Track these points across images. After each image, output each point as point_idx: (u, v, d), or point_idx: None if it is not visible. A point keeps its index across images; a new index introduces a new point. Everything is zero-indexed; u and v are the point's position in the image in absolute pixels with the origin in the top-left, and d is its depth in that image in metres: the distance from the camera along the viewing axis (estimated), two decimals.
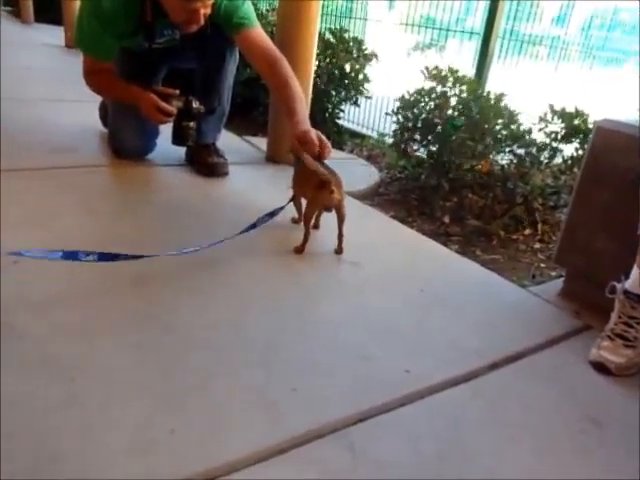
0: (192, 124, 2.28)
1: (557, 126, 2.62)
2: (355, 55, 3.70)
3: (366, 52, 3.73)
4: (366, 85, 3.72)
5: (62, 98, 3.52)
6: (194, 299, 1.50)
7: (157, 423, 1.05)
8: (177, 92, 2.23)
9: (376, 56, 3.75)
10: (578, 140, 2.60)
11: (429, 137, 2.83)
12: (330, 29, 3.90)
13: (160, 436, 1.02)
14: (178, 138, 2.33)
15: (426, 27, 4.59)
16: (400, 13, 5.01)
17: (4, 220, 1.69)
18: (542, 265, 2.28)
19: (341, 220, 1.81)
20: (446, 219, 2.59)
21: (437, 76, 2.82)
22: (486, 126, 2.61)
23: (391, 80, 4.21)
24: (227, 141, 2.78)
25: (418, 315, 1.57)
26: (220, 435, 1.05)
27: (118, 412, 1.07)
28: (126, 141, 2.46)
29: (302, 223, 1.87)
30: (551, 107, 2.63)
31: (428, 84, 2.87)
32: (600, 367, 1.40)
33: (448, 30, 4.37)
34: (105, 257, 1.49)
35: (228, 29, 2.22)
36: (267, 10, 4.42)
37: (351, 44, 3.71)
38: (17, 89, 3.60)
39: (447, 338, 1.47)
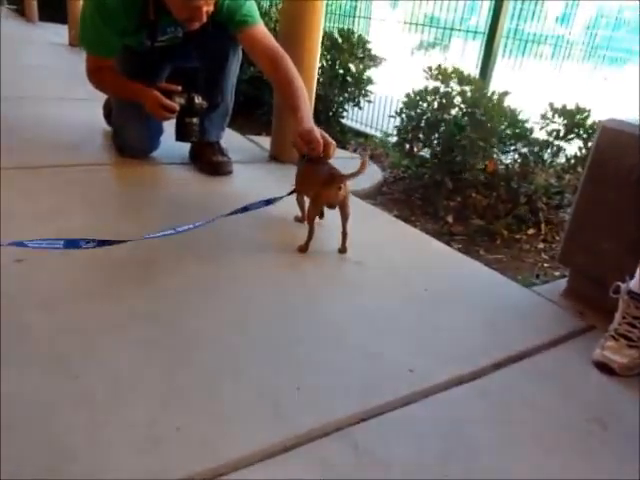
0: (195, 120, 2.29)
1: (558, 124, 2.61)
2: (360, 56, 3.70)
3: (371, 53, 3.72)
4: (369, 87, 3.72)
5: (66, 96, 3.53)
6: (198, 298, 1.50)
7: (162, 421, 1.06)
8: (179, 88, 2.24)
9: (382, 59, 3.75)
10: (580, 137, 2.59)
11: (433, 137, 2.83)
12: (339, 29, 3.90)
13: (165, 434, 1.03)
14: (181, 134, 2.33)
15: (430, 26, 4.59)
16: (404, 12, 5.00)
17: (8, 217, 1.69)
18: (546, 265, 2.28)
19: (345, 218, 1.82)
20: (450, 218, 2.59)
21: (440, 75, 2.82)
22: (489, 125, 2.61)
23: (394, 79, 4.21)
24: (231, 140, 2.79)
25: (422, 314, 1.57)
26: (225, 433, 1.05)
27: (123, 410, 1.08)
28: (130, 139, 2.47)
29: (306, 222, 1.87)
30: (551, 105, 2.63)
31: (432, 84, 2.87)
32: (604, 367, 1.40)
33: (452, 29, 4.36)
34: (103, 243, 1.54)
35: (231, 27, 2.22)
36: (269, 7, 4.41)
37: (356, 45, 3.70)
38: (21, 87, 3.61)
39: (451, 337, 1.47)
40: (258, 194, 2.22)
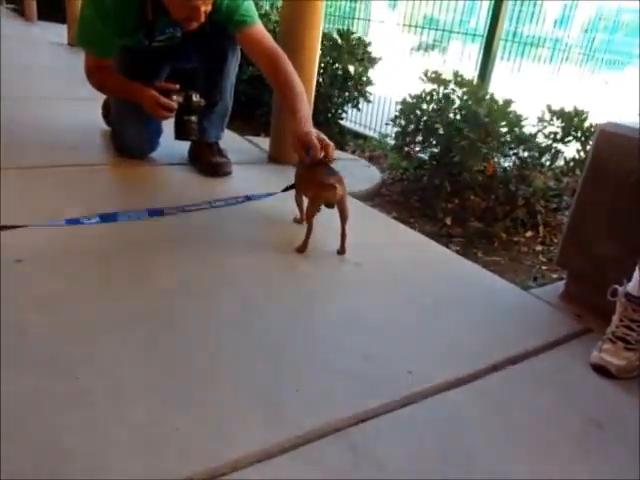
0: (193, 118, 2.29)
1: (556, 127, 2.62)
2: (360, 57, 3.70)
3: (370, 54, 3.73)
4: (369, 88, 3.73)
5: (65, 96, 3.53)
6: (197, 298, 1.51)
7: (162, 421, 1.06)
8: (177, 87, 2.24)
9: (379, 58, 3.76)
10: (578, 140, 2.60)
11: (431, 139, 2.84)
12: (338, 30, 3.91)
13: (165, 434, 1.03)
14: (180, 133, 2.33)
15: (429, 29, 4.60)
16: (403, 14, 5.01)
17: (7, 218, 1.69)
18: (544, 267, 2.28)
19: (343, 219, 1.82)
20: (448, 221, 2.60)
21: (437, 79, 2.83)
22: (493, 127, 2.61)
23: (394, 81, 4.22)
24: (230, 141, 2.79)
25: (420, 316, 1.58)
26: (223, 434, 1.05)
27: (122, 410, 1.08)
28: (129, 139, 2.47)
29: (304, 222, 1.88)
30: (549, 107, 2.64)
31: (429, 87, 2.87)
32: (601, 370, 1.41)
33: (451, 32, 4.37)
34: (106, 218, 1.66)
35: (230, 27, 2.23)
36: (270, 8, 4.41)
37: (356, 45, 3.71)
38: (20, 87, 3.61)
39: (449, 339, 1.48)
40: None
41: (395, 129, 3.01)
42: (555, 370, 1.41)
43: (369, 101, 3.81)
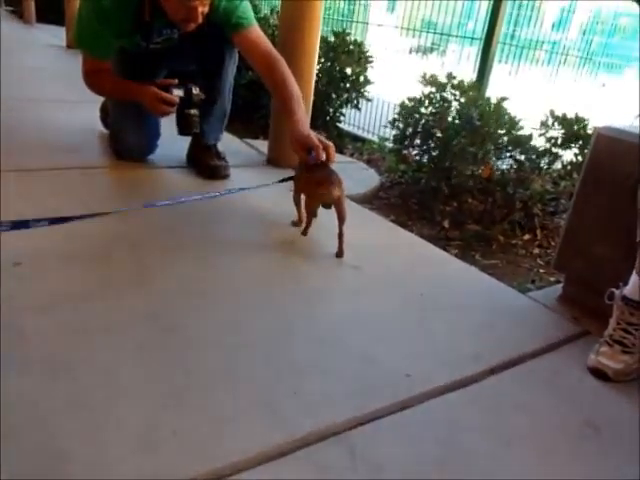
0: (194, 111, 2.28)
1: (557, 132, 2.63)
2: (357, 58, 3.71)
3: (367, 53, 3.74)
4: (367, 87, 3.73)
5: (63, 99, 3.53)
6: (196, 300, 1.51)
7: (159, 424, 1.06)
8: (176, 81, 2.23)
9: (373, 58, 3.77)
10: (577, 146, 2.61)
11: (429, 142, 2.84)
12: (333, 31, 3.92)
13: (162, 437, 1.03)
14: (183, 127, 2.31)
15: (427, 32, 4.61)
16: (401, 17, 5.02)
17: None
18: (541, 270, 2.29)
19: (341, 220, 1.83)
20: (446, 223, 2.61)
21: (435, 83, 2.84)
22: (486, 129, 2.62)
23: (392, 84, 4.24)
24: (228, 144, 2.80)
25: (418, 319, 1.58)
26: (221, 437, 1.06)
27: (120, 413, 1.08)
28: (127, 142, 2.47)
29: (302, 225, 1.91)
30: (552, 112, 2.65)
31: (427, 90, 2.88)
32: (598, 373, 1.41)
33: (449, 35, 4.38)
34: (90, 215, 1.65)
35: (227, 29, 2.23)
36: (270, 12, 4.42)
37: (352, 47, 3.72)
38: (19, 89, 3.61)
39: (447, 342, 1.48)
40: (255, 197, 2.24)
41: (393, 132, 3.02)
42: (553, 373, 1.42)
43: (369, 100, 3.81)
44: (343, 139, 3.84)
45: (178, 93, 2.24)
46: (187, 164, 2.55)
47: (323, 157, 1.85)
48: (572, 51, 4.56)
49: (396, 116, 2.98)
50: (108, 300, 1.45)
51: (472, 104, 2.71)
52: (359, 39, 3.97)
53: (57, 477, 0.93)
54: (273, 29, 3.71)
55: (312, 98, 2.75)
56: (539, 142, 2.67)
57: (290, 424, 1.11)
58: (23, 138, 2.61)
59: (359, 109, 3.84)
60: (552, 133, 2.64)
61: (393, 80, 4.49)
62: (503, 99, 2.71)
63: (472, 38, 3.87)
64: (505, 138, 2.67)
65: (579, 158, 2.58)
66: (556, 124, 2.63)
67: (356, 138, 4.04)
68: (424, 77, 2.87)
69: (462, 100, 2.77)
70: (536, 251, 2.46)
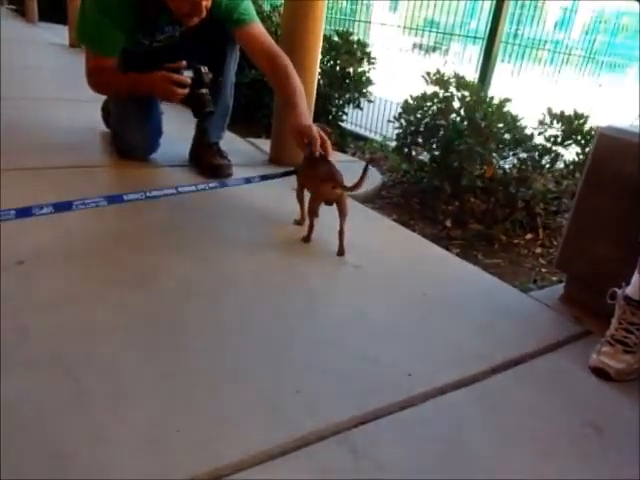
0: (206, 91, 2.24)
1: (556, 130, 2.63)
2: (359, 57, 3.71)
3: (370, 55, 3.74)
4: (369, 88, 3.73)
5: (66, 97, 3.53)
6: (197, 300, 1.51)
7: (162, 423, 1.07)
8: (184, 63, 2.20)
9: (377, 59, 3.77)
10: (577, 143, 2.60)
11: (432, 141, 2.84)
12: (336, 30, 3.92)
13: (165, 436, 1.04)
14: (197, 107, 2.27)
15: (430, 31, 4.61)
16: (403, 16, 5.02)
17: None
18: (543, 270, 2.29)
19: (342, 216, 1.85)
20: (448, 223, 2.61)
21: (439, 81, 2.84)
22: (490, 129, 2.62)
23: (394, 83, 4.23)
24: (231, 142, 2.80)
25: (420, 318, 1.58)
26: (224, 435, 1.06)
27: (123, 412, 1.08)
28: (129, 140, 2.47)
29: (304, 223, 1.93)
30: (549, 110, 2.64)
31: (430, 88, 2.88)
32: (600, 372, 1.41)
33: (452, 35, 4.38)
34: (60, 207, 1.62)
35: (229, 25, 2.24)
36: (271, 10, 4.42)
37: (355, 46, 3.72)
38: (21, 88, 3.61)
39: (448, 341, 1.48)
40: (257, 196, 2.24)
41: (396, 131, 3.02)
42: (554, 372, 1.42)
43: (370, 101, 3.82)
44: (345, 138, 3.84)
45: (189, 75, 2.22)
46: (189, 163, 2.55)
47: (318, 150, 1.89)
48: (575, 50, 4.55)
49: (400, 111, 2.98)
50: (110, 299, 1.45)
51: (476, 104, 2.70)
52: (361, 38, 3.97)
53: (60, 477, 0.93)
54: (276, 28, 3.71)
55: (314, 97, 2.74)
56: (539, 141, 2.67)
57: (292, 423, 1.11)
58: (25, 137, 2.61)
59: (361, 109, 3.84)
60: (552, 131, 2.64)
61: (395, 79, 4.48)
62: (506, 100, 2.70)
63: (475, 37, 3.87)
64: (507, 137, 2.66)
65: (581, 157, 2.58)
66: (555, 122, 2.62)
67: (358, 137, 4.04)
68: (428, 75, 2.87)
69: (466, 99, 2.76)
70: (538, 250, 2.46)
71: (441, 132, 2.78)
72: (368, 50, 3.75)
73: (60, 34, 6.37)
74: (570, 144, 2.62)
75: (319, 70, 2.84)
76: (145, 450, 1.00)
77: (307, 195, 1.96)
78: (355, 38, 3.81)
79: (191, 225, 1.96)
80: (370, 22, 5.44)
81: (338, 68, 3.69)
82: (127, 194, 1.80)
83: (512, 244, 2.50)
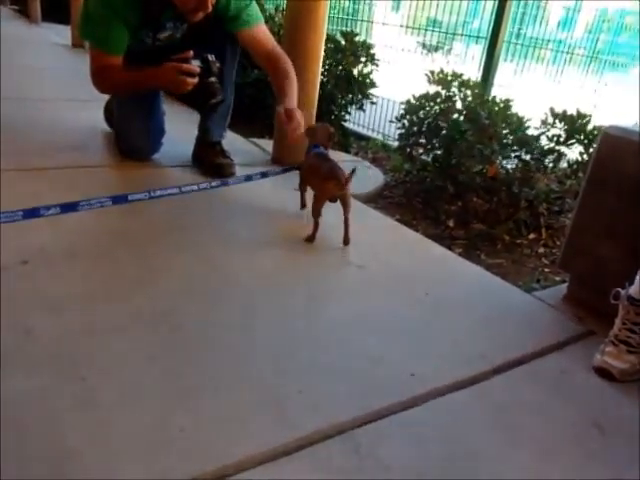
0: (215, 79, 2.22)
1: (559, 129, 2.62)
2: (363, 59, 3.71)
3: (374, 56, 3.73)
4: (372, 90, 3.73)
5: (68, 98, 3.54)
6: (202, 299, 1.51)
7: (167, 422, 1.07)
8: (192, 53, 2.17)
9: (382, 61, 3.77)
10: (581, 143, 2.60)
11: (434, 141, 2.84)
12: (341, 31, 3.91)
13: (170, 435, 1.04)
14: (207, 97, 2.24)
15: (432, 30, 4.60)
16: (406, 15, 5.02)
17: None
18: (546, 270, 2.29)
19: (346, 210, 1.89)
20: (451, 223, 2.60)
21: (442, 80, 2.84)
22: (494, 129, 2.62)
23: (396, 83, 4.23)
24: (233, 142, 2.80)
25: (423, 318, 1.58)
26: (228, 435, 1.06)
27: (128, 411, 1.09)
28: (132, 139, 2.47)
29: (310, 216, 1.95)
30: (552, 110, 2.64)
31: (433, 88, 2.88)
32: (603, 373, 1.41)
33: (454, 34, 4.37)
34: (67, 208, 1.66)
35: (235, 24, 2.26)
36: (275, 11, 4.42)
37: (360, 48, 3.71)
38: (24, 88, 3.62)
39: (451, 341, 1.48)
40: (260, 196, 2.24)
41: (398, 131, 3.02)
42: (558, 373, 1.42)
43: (373, 103, 3.82)
44: (348, 138, 3.84)
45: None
46: (192, 163, 2.55)
47: (295, 130, 2.04)
48: (577, 50, 4.54)
49: (403, 112, 2.98)
50: (114, 299, 1.45)
51: (479, 103, 2.70)
52: (364, 38, 3.96)
53: (65, 476, 0.93)
54: (279, 27, 3.71)
55: (317, 96, 2.74)
56: (542, 141, 2.66)
57: (295, 423, 1.11)
58: (28, 137, 2.61)
59: (363, 110, 3.85)
60: (554, 131, 2.63)
61: (398, 79, 4.48)
62: (509, 101, 2.70)
63: (477, 37, 3.87)
64: (511, 137, 2.66)
65: (584, 157, 2.57)
66: (557, 121, 2.62)
67: (360, 137, 4.04)
68: (432, 74, 2.87)
69: (469, 99, 2.76)
70: (541, 250, 2.46)
71: (443, 132, 2.78)
72: (372, 52, 3.75)
73: (63, 34, 6.37)
74: (573, 143, 2.61)
75: (324, 71, 2.84)
76: (149, 449, 1.00)
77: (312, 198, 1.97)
78: (360, 39, 3.81)
79: (194, 225, 1.96)
80: (372, 22, 5.43)
81: (343, 70, 3.68)
82: (131, 194, 1.80)
83: (515, 244, 2.49)
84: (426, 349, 1.43)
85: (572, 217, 1.83)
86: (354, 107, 3.79)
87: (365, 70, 3.69)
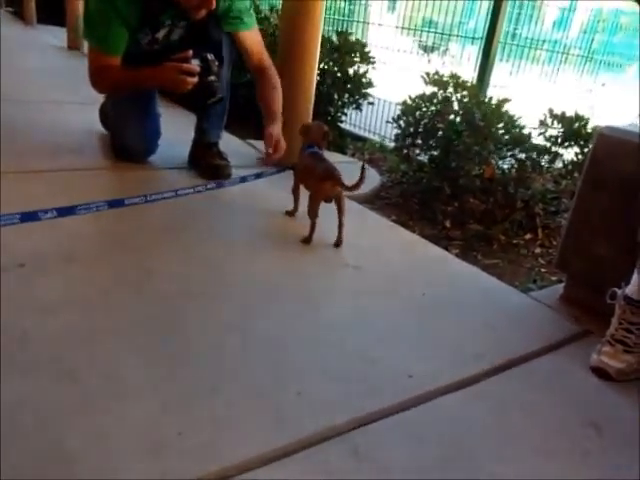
0: (214, 78, 2.22)
1: (556, 130, 2.63)
2: (359, 59, 3.70)
3: (369, 54, 3.73)
4: (369, 89, 3.73)
5: (64, 100, 3.53)
6: (197, 301, 1.51)
7: (164, 425, 1.07)
8: (191, 53, 2.16)
9: (377, 60, 3.77)
10: (577, 144, 2.61)
11: (431, 142, 2.85)
12: (336, 31, 3.91)
13: (167, 438, 1.04)
14: (207, 95, 2.24)
15: (428, 31, 4.61)
16: (401, 16, 5.02)
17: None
18: (543, 270, 2.29)
19: (341, 212, 1.89)
20: (447, 223, 2.61)
21: (438, 81, 2.84)
22: (489, 129, 2.62)
23: (392, 83, 4.23)
24: (230, 143, 2.79)
25: (420, 319, 1.58)
26: (226, 438, 1.06)
27: (125, 414, 1.08)
28: (128, 141, 2.46)
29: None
30: (550, 111, 2.65)
31: (429, 89, 2.89)
32: (600, 372, 1.42)
33: (450, 35, 4.38)
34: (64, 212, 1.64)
35: (236, 25, 2.29)
36: (269, 11, 4.42)
37: (355, 47, 3.71)
38: (19, 90, 3.61)
39: (449, 342, 1.48)
40: (256, 198, 2.24)
41: (395, 131, 3.02)
42: (555, 373, 1.42)
43: (371, 103, 3.81)
44: (344, 139, 3.84)
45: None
46: (189, 165, 2.55)
47: (270, 151, 2.20)
48: (573, 50, 4.55)
49: (399, 113, 2.98)
50: (110, 302, 1.45)
51: (475, 104, 2.71)
52: (360, 39, 3.96)
53: (62, 479, 0.93)
54: (274, 28, 3.71)
55: (313, 97, 2.74)
56: (538, 141, 2.67)
57: (293, 425, 1.11)
58: (24, 139, 2.60)
59: (360, 110, 3.84)
60: (552, 132, 2.64)
61: (394, 80, 4.48)
62: (504, 100, 2.70)
63: (473, 37, 3.87)
64: (506, 137, 2.67)
65: (580, 157, 2.58)
66: (555, 123, 2.62)
67: (357, 138, 4.04)
68: (428, 75, 2.87)
69: (465, 100, 2.76)
70: (537, 250, 2.46)
71: (440, 133, 2.78)
72: (367, 50, 3.75)
73: (59, 36, 6.36)
74: (570, 145, 2.62)
75: (320, 72, 2.84)
76: (148, 452, 1.00)
77: (304, 193, 1.97)
78: (353, 38, 3.81)
79: (190, 227, 1.96)
80: (368, 23, 5.44)
81: (340, 70, 3.68)
82: (128, 198, 1.80)
83: (511, 244, 2.50)
84: (423, 350, 1.44)
85: (568, 217, 1.83)
86: (351, 107, 3.79)
87: (361, 70, 3.69)
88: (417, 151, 2.95)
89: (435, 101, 2.84)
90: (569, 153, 2.64)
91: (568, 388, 1.37)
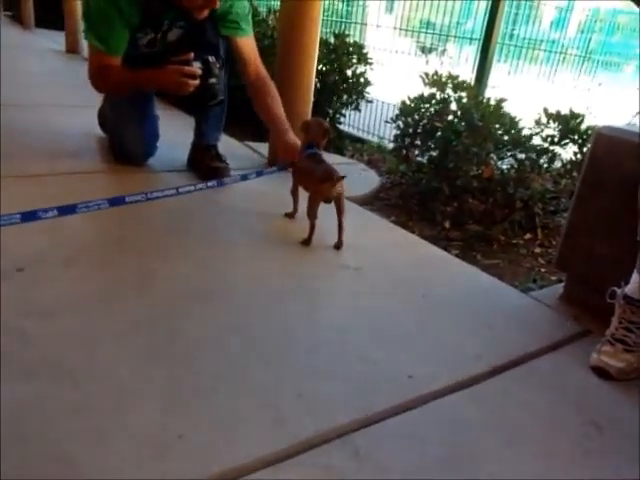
0: (215, 80, 2.22)
1: (553, 129, 2.63)
2: (356, 59, 3.71)
3: (367, 55, 3.74)
4: (367, 89, 3.73)
5: (63, 103, 3.54)
6: (197, 303, 1.51)
7: (164, 428, 1.06)
8: (192, 55, 2.16)
9: (375, 60, 3.78)
10: (575, 143, 2.61)
11: (430, 143, 2.85)
12: (333, 32, 3.92)
13: (168, 441, 1.03)
14: (209, 98, 2.26)
15: (426, 32, 4.61)
16: (399, 17, 5.03)
17: (7, 227, 1.70)
18: (542, 270, 2.29)
19: (341, 213, 1.89)
20: (447, 224, 2.61)
21: (437, 82, 2.84)
22: (488, 130, 2.63)
23: (391, 85, 4.24)
24: (228, 146, 2.80)
25: (420, 320, 1.58)
26: (226, 440, 1.06)
27: (124, 418, 1.08)
28: (127, 143, 2.46)
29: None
30: (545, 110, 2.65)
31: (427, 90, 2.89)
32: (601, 372, 1.41)
33: (447, 36, 4.38)
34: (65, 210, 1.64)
35: (234, 30, 2.30)
36: (267, 13, 4.42)
37: (352, 48, 3.72)
38: (18, 94, 3.61)
39: (449, 343, 1.48)
40: (255, 199, 2.24)
41: (394, 132, 3.03)
42: (555, 372, 1.42)
43: (369, 101, 3.81)
44: (343, 140, 3.84)
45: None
46: (188, 168, 2.55)
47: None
48: (570, 50, 4.56)
49: (397, 112, 2.99)
50: (110, 304, 1.45)
51: (473, 105, 2.71)
52: (357, 40, 3.97)
53: None
54: (272, 31, 3.71)
55: (311, 99, 2.75)
56: (536, 141, 2.67)
57: (295, 426, 1.11)
58: (23, 143, 2.61)
59: (359, 110, 3.85)
60: (548, 131, 2.64)
61: (392, 81, 4.49)
62: (502, 100, 2.71)
63: (471, 38, 3.88)
64: (505, 138, 2.67)
65: (578, 157, 2.58)
66: (551, 121, 2.63)
67: (356, 139, 4.04)
68: (426, 76, 2.87)
69: (463, 100, 2.77)
70: (537, 250, 2.46)
71: (439, 133, 2.78)
72: (365, 51, 3.76)
73: (57, 40, 6.37)
74: (567, 143, 2.62)
75: (318, 74, 2.85)
76: (148, 455, 1.00)
77: (303, 194, 1.97)
78: (351, 40, 3.81)
79: (190, 229, 1.96)
80: (366, 24, 5.44)
81: (338, 71, 3.68)
82: (129, 196, 1.80)
83: (511, 244, 2.50)
84: (423, 351, 1.43)
85: (567, 217, 1.83)
86: (350, 108, 3.79)
87: (359, 70, 3.69)
88: (416, 152, 2.95)
89: (434, 102, 2.84)
90: (567, 152, 2.64)
91: (568, 388, 1.37)
